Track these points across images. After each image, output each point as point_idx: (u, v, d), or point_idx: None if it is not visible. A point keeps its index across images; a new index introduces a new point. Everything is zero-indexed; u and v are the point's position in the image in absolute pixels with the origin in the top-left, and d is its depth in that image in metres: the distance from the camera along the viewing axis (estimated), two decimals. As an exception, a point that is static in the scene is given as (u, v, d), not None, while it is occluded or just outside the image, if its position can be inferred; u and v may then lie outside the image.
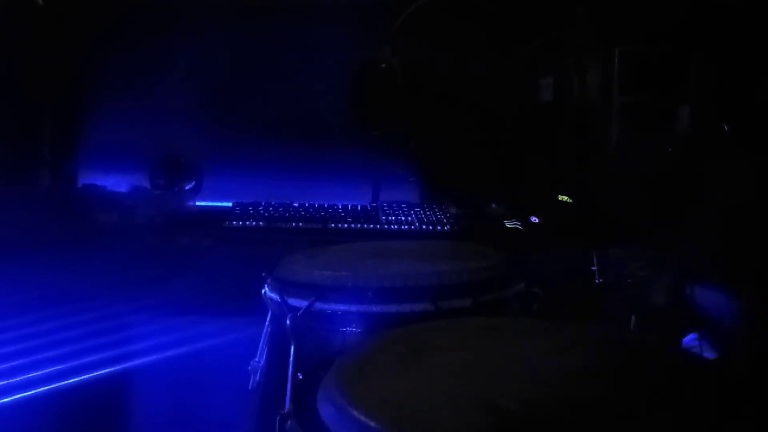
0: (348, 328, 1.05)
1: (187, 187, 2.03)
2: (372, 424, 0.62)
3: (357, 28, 1.97)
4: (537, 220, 1.77)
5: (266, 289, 1.17)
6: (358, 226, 1.74)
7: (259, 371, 1.19)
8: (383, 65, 1.88)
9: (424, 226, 1.74)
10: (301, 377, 0.90)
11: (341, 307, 1.06)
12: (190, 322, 1.59)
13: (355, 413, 0.64)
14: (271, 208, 1.83)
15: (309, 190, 1.97)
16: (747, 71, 1.52)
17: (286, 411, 0.72)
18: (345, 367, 0.76)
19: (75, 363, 1.50)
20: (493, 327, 0.88)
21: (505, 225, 1.79)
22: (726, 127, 1.52)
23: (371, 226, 1.75)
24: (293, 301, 1.09)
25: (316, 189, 1.99)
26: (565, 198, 1.69)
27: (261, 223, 1.74)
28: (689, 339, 1.41)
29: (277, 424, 0.73)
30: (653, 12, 1.53)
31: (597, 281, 1.47)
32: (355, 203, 1.91)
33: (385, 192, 2.03)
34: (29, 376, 1.46)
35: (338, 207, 1.87)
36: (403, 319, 1.02)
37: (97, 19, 1.99)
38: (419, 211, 1.85)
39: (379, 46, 1.89)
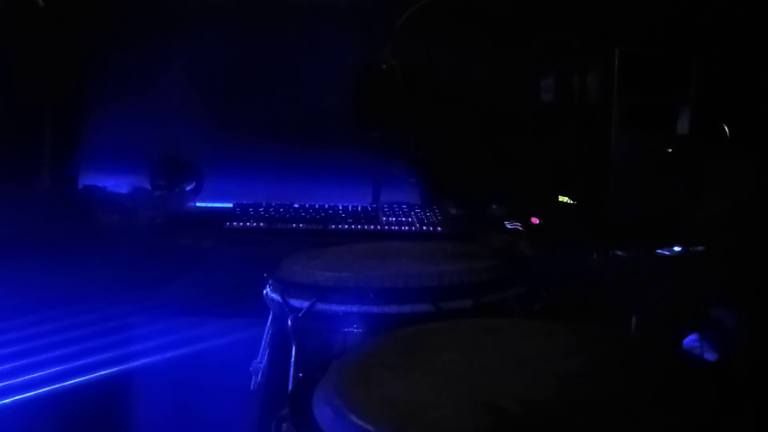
0: (349, 329, 1.06)
1: (187, 188, 2.03)
2: (370, 427, 0.61)
3: (357, 29, 1.97)
4: (537, 221, 1.77)
5: (267, 290, 1.17)
6: (359, 227, 1.74)
7: (260, 372, 1.19)
8: (384, 66, 1.88)
9: (424, 227, 1.74)
10: (299, 379, 0.90)
11: (342, 307, 1.06)
12: (191, 323, 1.59)
13: (353, 416, 0.63)
14: (271, 209, 1.83)
15: (309, 191, 1.97)
16: (747, 71, 1.52)
17: (283, 413, 0.71)
18: (343, 369, 0.75)
19: (75, 364, 1.50)
20: (494, 328, 0.88)
21: (505, 225, 1.79)
22: (726, 127, 1.52)
23: (372, 227, 1.75)
24: (294, 302, 1.10)
25: (317, 190, 1.99)
26: (565, 198, 1.69)
27: (261, 224, 1.74)
28: (689, 339, 1.42)
29: (273, 426, 0.72)
30: (653, 12, 1.53)
31: (597, 281, 1.47)
32: (355, 204, 1.91)
33: (386, 193, 2.04)
34: (30, 377, 1.46)
35: (339, 208, 1.87)
36: (404, 320, 1.02)
37: (97, 20, 1.99)
38: (420, 212, 1.85)
39: (379, 46, 1.89)
